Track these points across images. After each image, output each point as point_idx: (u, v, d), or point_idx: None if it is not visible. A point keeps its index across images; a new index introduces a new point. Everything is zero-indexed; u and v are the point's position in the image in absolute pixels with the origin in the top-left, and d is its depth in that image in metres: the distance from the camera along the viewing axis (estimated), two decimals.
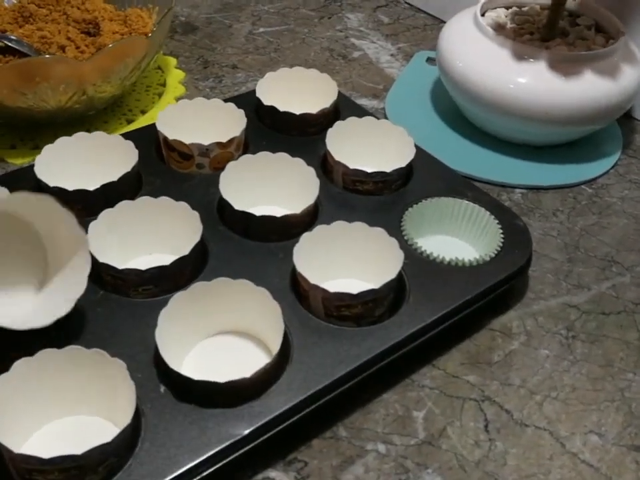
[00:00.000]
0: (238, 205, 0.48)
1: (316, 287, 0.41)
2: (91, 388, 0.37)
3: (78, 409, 0.38)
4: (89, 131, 0.62)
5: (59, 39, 0.64)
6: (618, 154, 0.64)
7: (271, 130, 0.59)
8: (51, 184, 0.48)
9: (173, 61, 0.74)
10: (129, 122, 0.65)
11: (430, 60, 0.76)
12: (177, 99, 0.68)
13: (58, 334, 0.40)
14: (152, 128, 0.56)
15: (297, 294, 0.43)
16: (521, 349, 0.45)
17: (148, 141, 0.56)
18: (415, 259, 0.46)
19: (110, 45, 0.54)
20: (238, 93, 0.69)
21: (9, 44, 0.63)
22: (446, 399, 0.42)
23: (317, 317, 0.42)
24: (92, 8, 0.69)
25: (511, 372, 0.44)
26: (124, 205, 0.46)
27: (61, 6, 0.69)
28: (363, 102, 0.70)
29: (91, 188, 0.48)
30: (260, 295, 0.40)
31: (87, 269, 0.41)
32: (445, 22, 0.85)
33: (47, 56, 0.57)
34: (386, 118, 0.67)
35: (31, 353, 0.36)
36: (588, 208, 0.57)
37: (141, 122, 0.64)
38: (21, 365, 0.35)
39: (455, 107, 0.67)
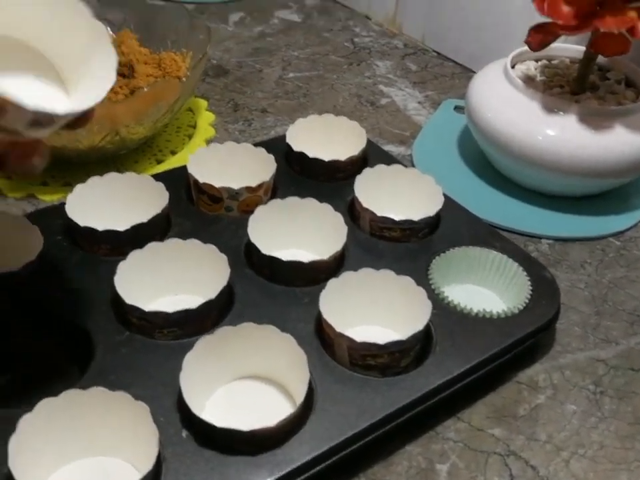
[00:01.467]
0: (265, 249, 0.48)
1: (342, 336, 0.40)
2: (114, 430, 0.37)
3: (99, 450, 0.38)
4: (119, 170, 0.63)
5: None
6: None
7: (300, 175, 0.59)
8: (82, 223, 0.49)
9: (204, 103, 0.75)
10: (159, 162, 0.66)
11: (457, 108, 0.77)
12: (207, 141, 0.69)
13: (82, 374, 0.40)
14: (182, 169, 0.56)
15: (322, 340, 0.43)
16: (548, 403, 0.44)
17: (178, 182, 0.56)
18: (442, 309, 0.46)
19: (144, 89, 0.56)
20: (267, 136, 0.70)
21: None
22: (470, 453, 0.41)
23: (341, 364, 0.42)
24: (127, 51, 0.71)
25: (537, 427, 0.43)
26: (153, 246, 0.46)
27: None
28: (390, 148, 0.70)
29: (121, 228, 0.49)
30: (285, 342, 0.40)
31: (113, 58, 0.36)
32: (473, 71, 0.87)
33: None
34: (413, 165, 0.67)
35: (55, 393, 0.36)
36: (616, 261, 0.57)
37: (171, 162, 0.65)
38: (44, 405, 0.35)
39: (482, 155, 0.67)
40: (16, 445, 0.34)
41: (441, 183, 0.55)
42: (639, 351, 0.48)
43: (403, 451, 0.41)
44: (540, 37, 0.59)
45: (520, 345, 0.45)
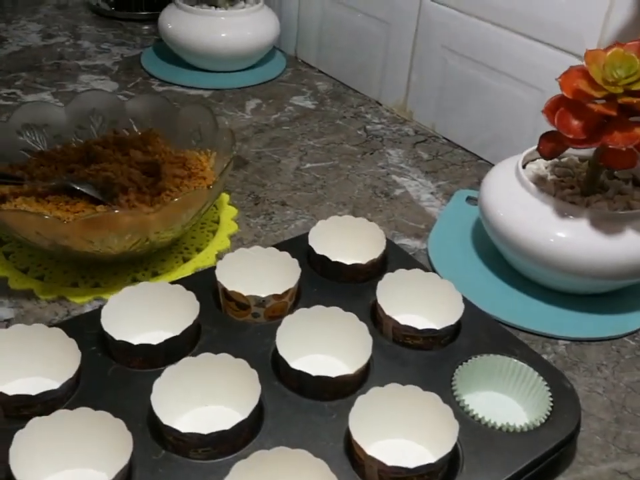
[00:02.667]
0: (292, 357, 0.50)
1: (372, 459, 0.42)
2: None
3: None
4: (146, 269, 0.66)
5: (122, 180, 0.69)
6: None
7: (322, 276, 0.61)
8: (117, 337, 0.50)
9: (226, 198, 0.78)
10: (185, 260, 0.68)
11: (470, 199, 0.79)
12: (230, 237, 0.72)
13: None
14: (209, 272, 0.58)
15: (352, 460, 0.44)
16: None
17: (206, 286, 0.58)
18: (466, 423, 0.47)
19: (175, 200, 0.58)
20: (287, 230, 0.73)
21: (75, 186, 0.67)
22: None
23: None
24: (153, 150, 0.74)
25: None
26: (186, 361, 0.48)
27: (124, 147, 0.74)
28: (406, 242, 0.72)
29: (154, 340, 0.51)
30: (319, 467, 0.41)
31: None
32: (482, 159, 0.90)
33: (117, 211, 0.60)
34: (429, 259, 0.69)
35: None
36: (632, 362, 0.58)
37: (197, 260, 0.68)
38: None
39: (496, 251, 0.69)
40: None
41: (456, 279, 0.57)
42: None
43: None
44: (551, 145, 0.61)
45: (544, 461, 0.46)
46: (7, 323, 0.59)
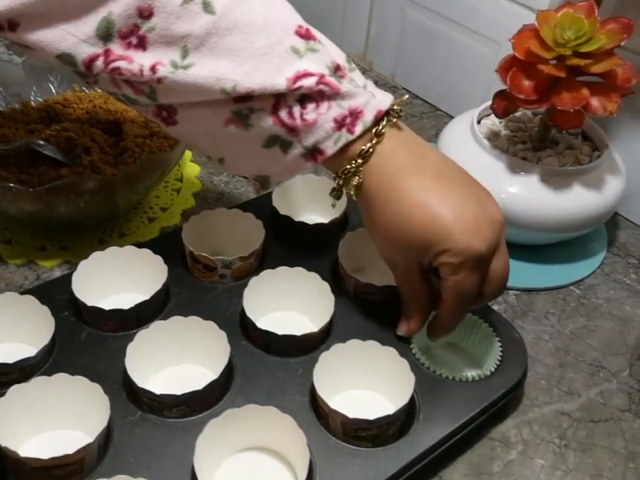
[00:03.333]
0: (259, 314, 0.53)
1: (336, 412, 0.45)
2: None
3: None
4: (113, 230, 0.67)
5: (84, 140, 0.69)
6: (604, 252, 0.69)
7: (286, 236, 0.63)
8: (88, 302, 0.52)
9: (188, 155, 0.78)
10: (150, 220, 0.69)
11: None
12: (194, 195, 0.73)
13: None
14: (175, 235, 0.60)
15: (317, 412, 0.48)
16: (519, 458, 0.50)
17: (173, 248, 0.60)
18: (422, 374, 0.51)
19: (137, 162, 0.59)
20: (250, 187, 0.74)
21: (37, 148, 0.67)
22: None
23: (335, 436, 0.46)
24: (114, 109, 0.74)
25: None
26: (157, 325, 0.50)
27: (84, 104, 0.74)
28: None
29: (125, 304, 0.53)
30: (286, 422, 0.44)
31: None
32: (440, 110, 0.91)
33: (80, 174, 0.61)
34: None
35: None
36: (577, 310, 0.63)
37: (162, 220, 0.69)
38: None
39: None
40: None
41: None
42: (598, 402, 0.54)
43: None
44: (504, 104, 0.64)
45: (494, 407, 0.50)
46: None
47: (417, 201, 0.46)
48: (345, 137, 0.47)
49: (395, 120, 0.48)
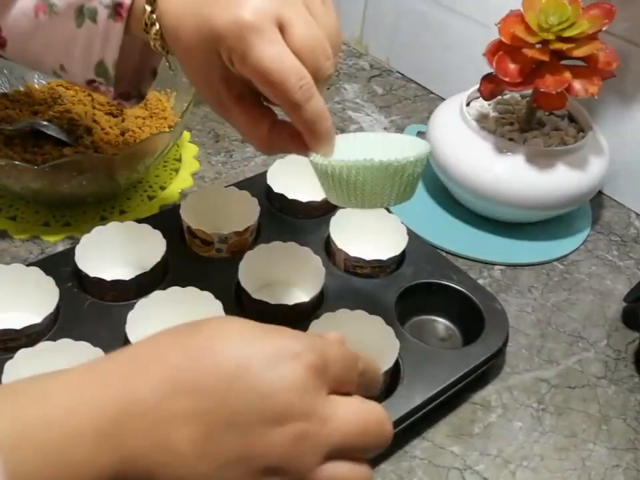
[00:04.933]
0: (253, 286, 0.55)
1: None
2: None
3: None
4: (114, 207, 0.70)
5: (86, 121, 0.72)
6: (588, 230, 0.72)
7: (280, 212, 0.66)
8: (91, 274, 0.55)
9: (187, 136, 0.81)
10: (150, 198, 0.72)
11: (420, 134, 0.83)
12: (192, 175, 0.75)
13: None
14: (174, 211, 0.62)
15: None
16: (498, 421, 0.53)
17: (172, 223, 0.63)
18: (406, 341, 0.53)
19: (137, 141, 0.62)
20: (247, 167, 0.77)
21: (41, 129, 0.70)
22: (433, 468, 0.49)
23: None
24: None
25: (489, 443, 0.51)
26: (156, 295, 0.53)
27: None
28: None
29: (126, 276, 0.55)
30: None
31: None
32: (433, 93, 0.94)
33: (82, 154, 0.64)
34: None
35: None
36: (559, 284, 0.65)
37: (161, 198, 0.72)
38: None
39: (442, 184, 0.74)
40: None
41: (405, 212, 0.62)
42: (575, 370, 0.57)
43: (378, 468, 0.49)
44: (491, 87, 0.66)
45: (474, 373, 0.53)
46: None
47: None
48: None
49: None
